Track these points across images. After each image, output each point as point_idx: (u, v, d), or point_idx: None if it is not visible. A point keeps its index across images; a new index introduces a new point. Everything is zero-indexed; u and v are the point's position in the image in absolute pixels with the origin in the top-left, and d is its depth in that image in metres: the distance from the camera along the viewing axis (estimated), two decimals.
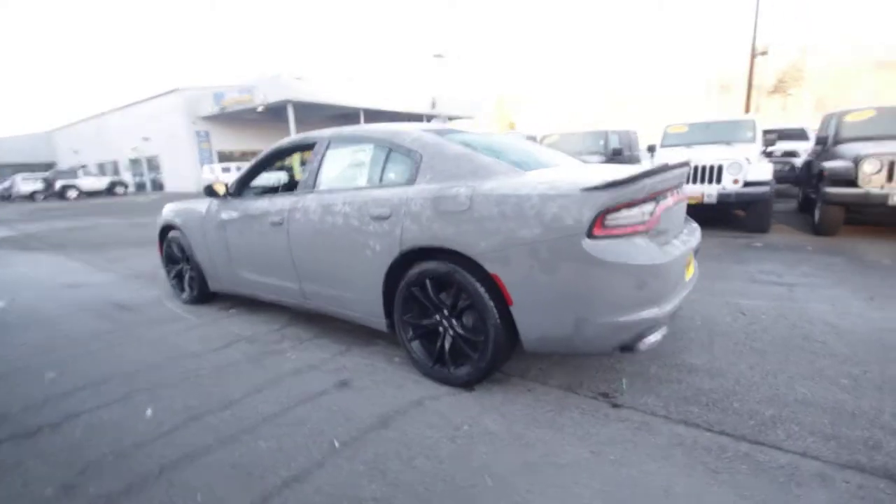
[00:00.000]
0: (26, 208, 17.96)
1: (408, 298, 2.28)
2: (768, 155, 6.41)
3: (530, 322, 1.93)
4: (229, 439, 1.86)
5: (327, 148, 2.77)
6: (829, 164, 5.19)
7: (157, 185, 27.25)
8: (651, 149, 7.21)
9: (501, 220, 1.90)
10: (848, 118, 6.01)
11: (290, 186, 3.64)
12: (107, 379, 2.47)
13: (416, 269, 2.21)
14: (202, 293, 3.68)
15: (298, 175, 3.69)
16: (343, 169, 2.75)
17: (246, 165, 3.32)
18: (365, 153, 2.61)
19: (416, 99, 24.99)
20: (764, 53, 15.36)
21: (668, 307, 1.88)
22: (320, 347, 2.78)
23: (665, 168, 1.89)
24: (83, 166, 29.14)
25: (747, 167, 5.47)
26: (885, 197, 4.63)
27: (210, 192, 3.33)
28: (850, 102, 8.95)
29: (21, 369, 2.67)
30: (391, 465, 1.66)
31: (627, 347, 1.86)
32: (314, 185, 2.73)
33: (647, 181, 1.80)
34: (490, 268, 1.94)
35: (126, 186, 25.92)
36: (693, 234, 2.38)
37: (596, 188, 1.75)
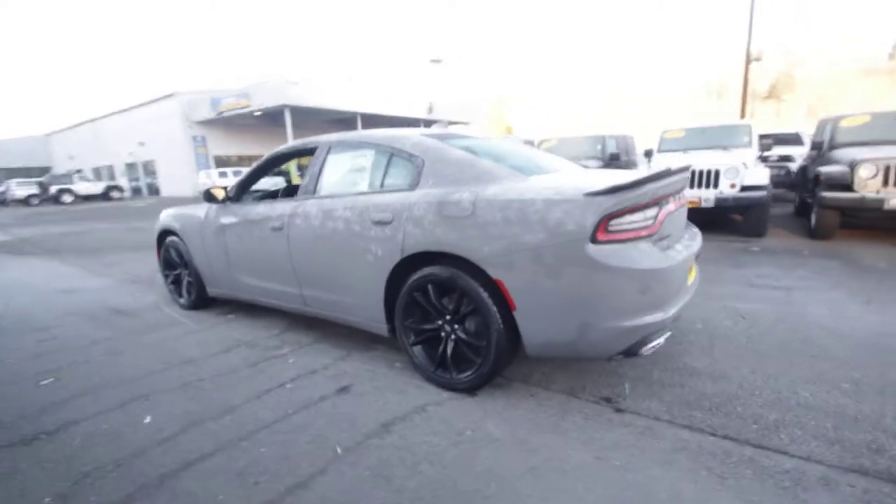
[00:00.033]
0: (21, 213, 17.83)
1: (409, 303, 2.27)
2: (764, 160, 6.44)
3: (534, 327, 1.93)
4: (230, 446, 1.84)
5: (328, 153, 2.77)
6: (825, 169, 5.24)
7: (154, 190, 27.18)
8: (648, 154, 7.24)
9: (505, 225, 1.90)
10: (843, 123, 6.06)
11: (290, 192, 3.64)
12: (104, 385, 2.44)
13: (418, 274, 2.20)
14: (200, 298, 3.66)
15: (297, 180, 3.68)
16: (344, 174, 2.75)
17: (245, 170, 3.31)
18: (366, 158, 2.62)
19: (413, 103, 25.06)
20: (758, 59, 15.54)
21: (671, 312, 1.88)
22: (320, 352, 2.76)
23: (668, 173, 1.90)
24: (79, 170, 29.04)
25: (744, 172, 5.51)
26: (881, 201, 4.67)
27: (209, 197, 3.32)
28: (840, 108, 9.05)
29: (16, 375, 2.64)
30: (396, 471, 1.64)
31: (631, 352, 1.86)
32: (315, 191, 2.73)
33: (651, 186, 1.81)
34: (493, 273, 1.94)
35: (122, 191, 25.80)
36: (694, 238, 2.39)
37: (600, 193, 1.75)
